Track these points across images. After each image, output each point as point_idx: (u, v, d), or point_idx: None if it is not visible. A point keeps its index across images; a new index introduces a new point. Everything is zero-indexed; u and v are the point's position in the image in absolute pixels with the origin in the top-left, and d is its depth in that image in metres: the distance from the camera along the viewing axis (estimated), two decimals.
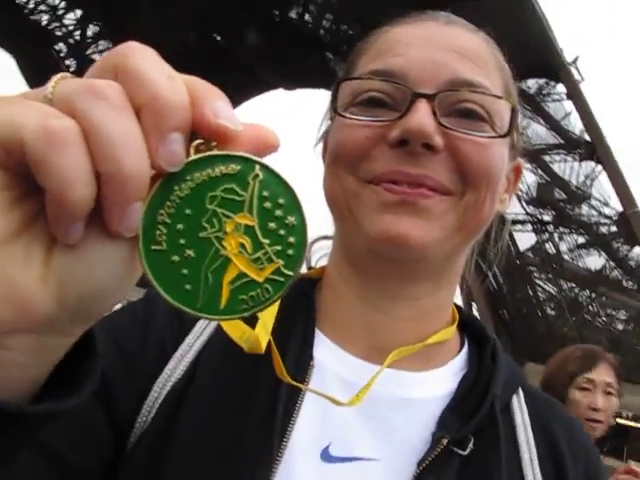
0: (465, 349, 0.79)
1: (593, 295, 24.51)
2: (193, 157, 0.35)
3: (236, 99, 26.32)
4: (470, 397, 0.71)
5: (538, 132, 24.21)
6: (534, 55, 20.58)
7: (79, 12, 24.22)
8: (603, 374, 2.43)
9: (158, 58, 0.34)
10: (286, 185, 0.36)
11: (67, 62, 24.59)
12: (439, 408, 0.70)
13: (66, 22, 24.25)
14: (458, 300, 0.82)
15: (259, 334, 0.63)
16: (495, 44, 0.77)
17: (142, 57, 0.33)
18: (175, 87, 0.33)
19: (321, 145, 0.81)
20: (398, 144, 0.65)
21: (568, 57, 23.30)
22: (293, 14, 24.03)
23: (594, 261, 24.91)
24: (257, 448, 0.62)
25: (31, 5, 23.44)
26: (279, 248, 0.36)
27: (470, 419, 0.68)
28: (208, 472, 0.62)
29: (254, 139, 0.36)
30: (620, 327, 24.59)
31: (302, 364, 0.69)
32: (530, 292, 24.65)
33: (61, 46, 24.36)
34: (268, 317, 0.66)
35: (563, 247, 24.56)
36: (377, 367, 0.68)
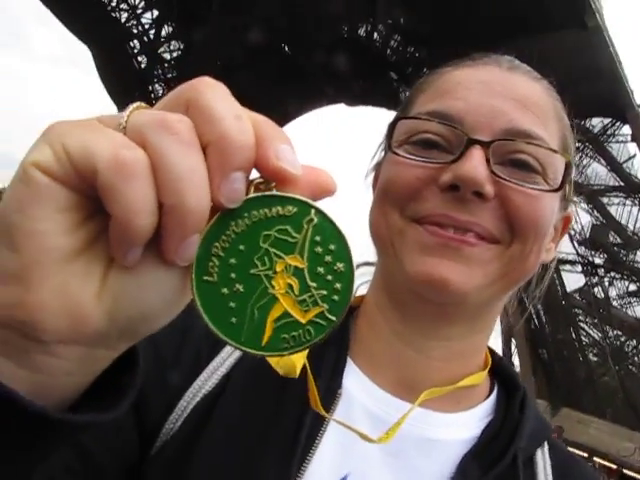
0: (494, 395, 0.78)
1: None
2: (252, 195, 0.36)
3: (297, 109, 26.66)
4: (493, 445, 0.70)
5: (598, 172, 23.52)
6: (602, 93, 20.05)
7: (156, 12, 25.19)
8: None
9: (229, 96, 0.35)
10: (338, 232, 0.37)
11: (139, 58, 25.56)
12: (461, 452, 0.69)
13: (143, 21, 25.26)
14: (497, 336, 0.80)
15: (295, 359, 0.65)
16: (556, 93, 0.76)
17: (213, 94, 0.34)
18: (242, 127, 0.34)
19: (372, 176, 0.81)
20: (449, 188, 0.65)
21: (638, 99, 22.62)
22: (361, 32, 24.25)
23: None
24: (276, 474, 0.63)
25: (113, 3, 24.49)
26: (325, 293, 0.37)
27: (490, 469, 0.67)
28: None
29: (312, 183, 0.36)
30: None
31: (331, 391, 0.69)
32: (573, 335, 23.82)
33: (135, 43, 25.36)
34: None
35: (612, 293, 23.63)
36: (404, 403, 0.69)
